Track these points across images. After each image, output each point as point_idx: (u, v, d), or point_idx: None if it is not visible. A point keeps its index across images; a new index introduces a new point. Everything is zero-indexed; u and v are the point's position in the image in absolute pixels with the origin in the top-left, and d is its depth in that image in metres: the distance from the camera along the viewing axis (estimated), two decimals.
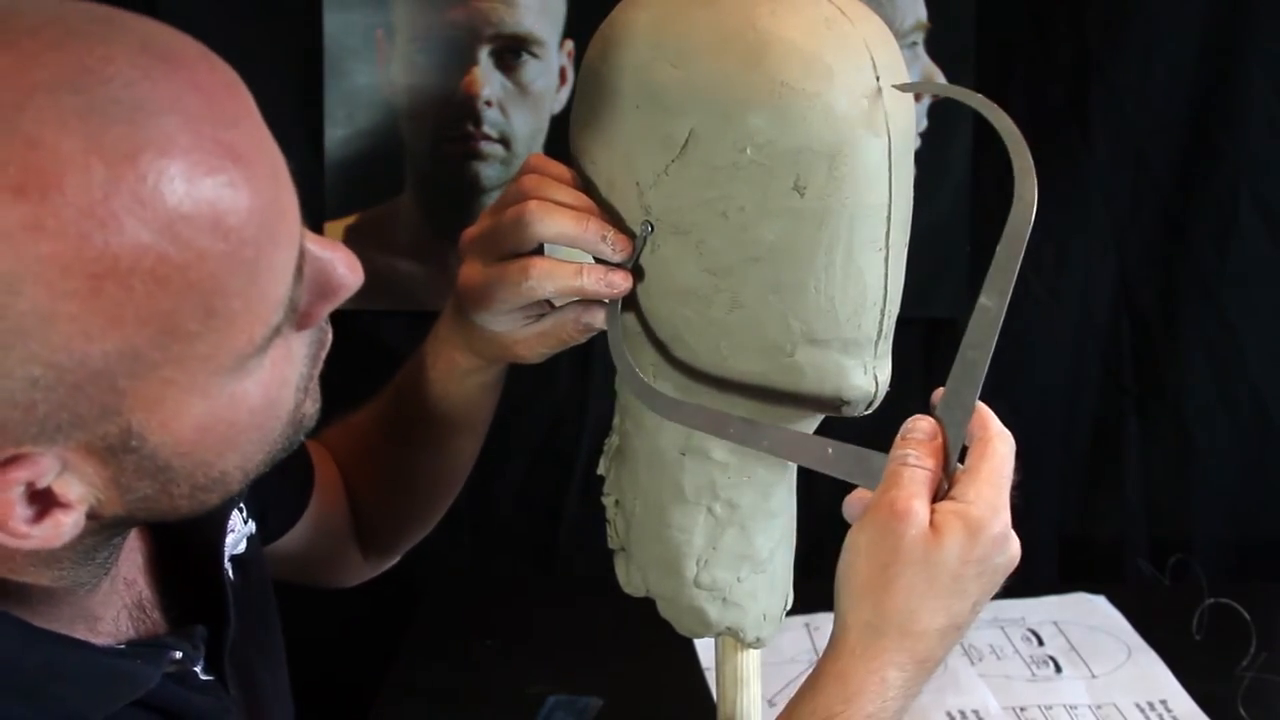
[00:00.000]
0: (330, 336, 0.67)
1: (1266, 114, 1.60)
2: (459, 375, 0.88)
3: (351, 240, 1.61)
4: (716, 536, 0.80)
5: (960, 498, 0.68)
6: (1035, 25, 1.60)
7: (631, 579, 0.84)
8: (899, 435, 0.70)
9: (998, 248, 0.68)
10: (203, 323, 0.54)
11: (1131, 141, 1.61)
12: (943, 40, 1.59)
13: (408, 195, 1.62)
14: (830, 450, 0.71)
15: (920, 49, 1.59)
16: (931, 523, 0.67)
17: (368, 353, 1.66)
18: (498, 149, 1.60)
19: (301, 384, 0.64)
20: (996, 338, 0.68)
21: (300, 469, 0.94)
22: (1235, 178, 1.61)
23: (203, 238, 0.53)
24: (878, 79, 0.70)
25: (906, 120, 0.73)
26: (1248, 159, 1.61)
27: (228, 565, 0.79)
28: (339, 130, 1.60)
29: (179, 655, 0.68)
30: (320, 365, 0.66)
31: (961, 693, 1.27)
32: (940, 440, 0.69)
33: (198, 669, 0.71)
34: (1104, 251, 1.64)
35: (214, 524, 0.76)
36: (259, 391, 0.60)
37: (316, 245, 0.63)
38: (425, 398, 0.90)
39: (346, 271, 0.63)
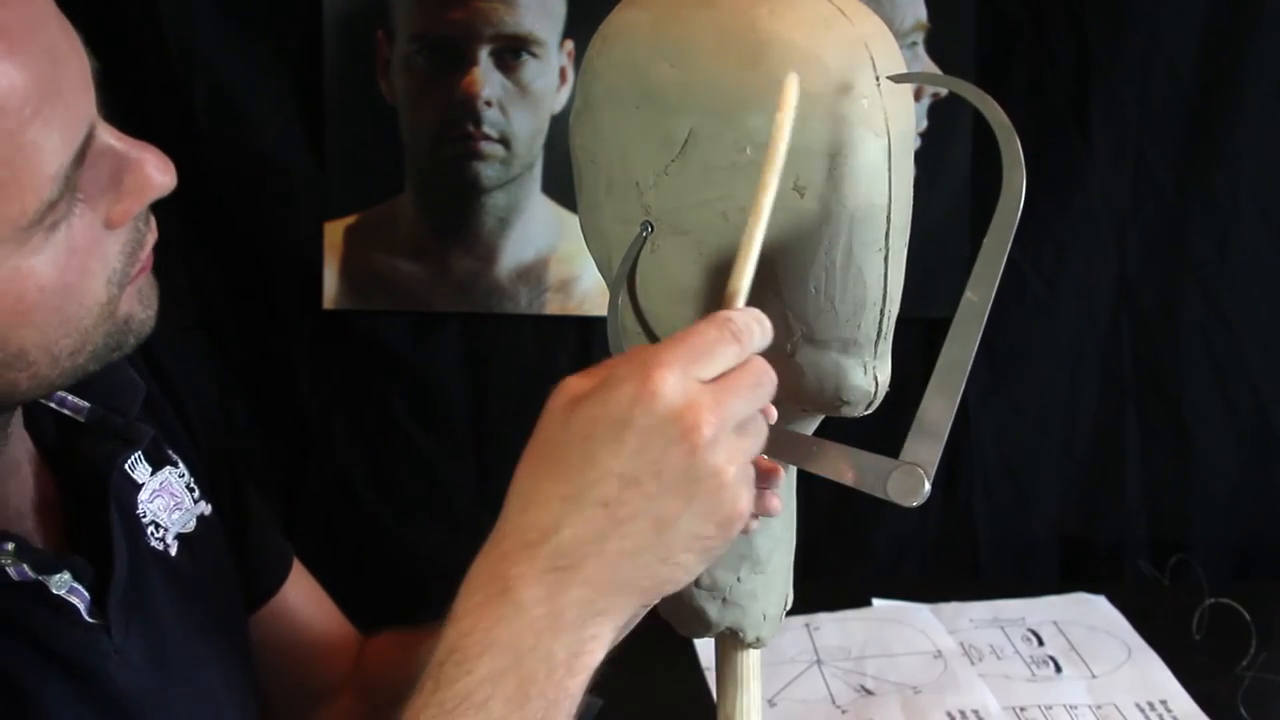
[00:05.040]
0: (153, 236, 0.70)
1: (1266, 114, 1.60)
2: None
3: (351, 240, 1.61)
4: None
5: None
6: (1035, 25, 1.60)
7: None
8: None
9: (984, 240, 0.68)
10: None
11: (1131, 141, 1.61)
12: (943, 40, 1.59)
13: (408, 195, 1.62)
14: (815, 448, 0.70)
15: (920, 49, 1.59)
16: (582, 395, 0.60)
17: (368, 353, 1.67)
18: (498, 149, 1.60)
19: (116, 279, 0.67)
20: (981, 332, 0.67)
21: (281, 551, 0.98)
22: (1235, 178, 1.61)
23: None
24: (877, 79, 0.70)
25: (906, 120, 0.73)
26: (1248, 159, 1.61)
27: (173, 541, 0.81)
28: (339, 130, 1.60)
29: (10, 546, 0.69)
30: (142, 266, 0.69)
31: (961, 693, 1.27)
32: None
33: (80, 606, 0.72)
34: (1104, 251, 1.64)
35: (101, 462, 0.78)
36: (50, 271, 0.63)
37: (123, 143, 0.66)
38: None
39: (156, 171, 0.66)
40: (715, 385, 0.60)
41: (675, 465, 0.59)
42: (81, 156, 0.63)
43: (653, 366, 0.59)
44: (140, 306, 0.70)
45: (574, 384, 0.61)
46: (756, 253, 0.66)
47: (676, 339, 0.61)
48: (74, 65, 0.63)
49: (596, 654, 0.61)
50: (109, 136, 0.66)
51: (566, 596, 0.59)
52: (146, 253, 0.70)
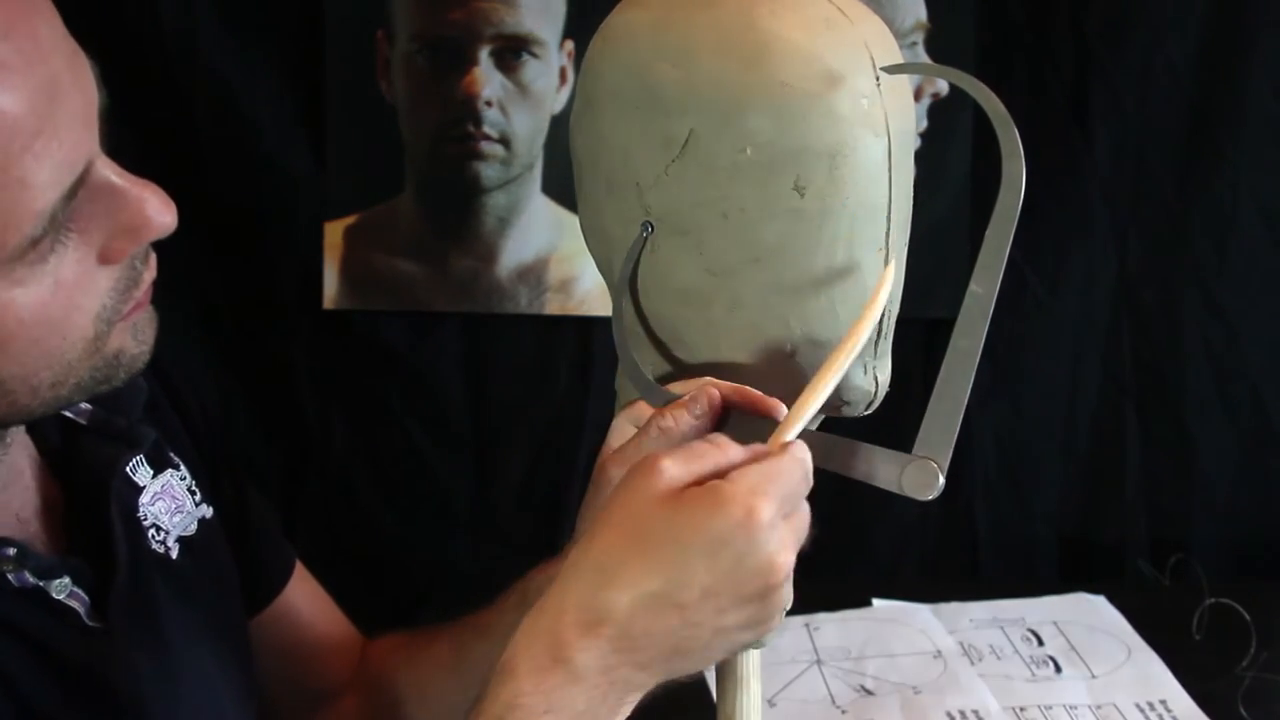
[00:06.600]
0: (151, 275, 0.69)
1: (1266, 114, 1.60)
2: None
3: (351, 240, 1.61)
4: None
5: (726, 478, 0.64)
6: (1035, 25, 1.60)
7: None
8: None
9: (986, 232, 0.68)
10: None
11: (1131, 141, 1.61)
12: (943, 40, 1.59)
13: (408, 195, 1.62)
14: (828, 445, 0.70)
15: (920, 49, 1.59)
16: (683, 492, 0.64)
17: (368, 353, 1.67)
18: (498, 149, 1.60)
19: (105, 315, 0.66)
20: (988, 326, 0.68)
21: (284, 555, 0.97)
22: (1235, 178, 1.61)
23: None
24: (878, 79, 0.70)
25: (906, 120, 0.73)
26: (1248, 159, 1.60)
27: (174, 544, 0.81)
28: (339, 130, 1.60)
29: (12, 552, 0.69)
30: (137, 303, 0.68)
31: (961, 693, 1.27)
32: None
33: (80, 610, 0.72)
34: (1104, 251, 1.64)
35: (103, 465, 0.77)
36: (32, 305, 0.62)
37: (124, 181, 0.64)
38: None
39: (155, 213, 0.65)
40: (792, 522, 0.66)
41: (753, 590, 0.65)
42: (73, 193, 0.62)
43: (759, 498, 0.64)
44: (134, 342, 0.69)
45: (671, 472, 0.64)
46: (825, 397, 0.68)
47: (769, 472, 0.65)
48: (75, 100, 0.61)
49: (629, 708, 0.68)
50: (110, 173, 0.64)
51: (619, 672, 0.66)
52: (143, 290, 0.68)
